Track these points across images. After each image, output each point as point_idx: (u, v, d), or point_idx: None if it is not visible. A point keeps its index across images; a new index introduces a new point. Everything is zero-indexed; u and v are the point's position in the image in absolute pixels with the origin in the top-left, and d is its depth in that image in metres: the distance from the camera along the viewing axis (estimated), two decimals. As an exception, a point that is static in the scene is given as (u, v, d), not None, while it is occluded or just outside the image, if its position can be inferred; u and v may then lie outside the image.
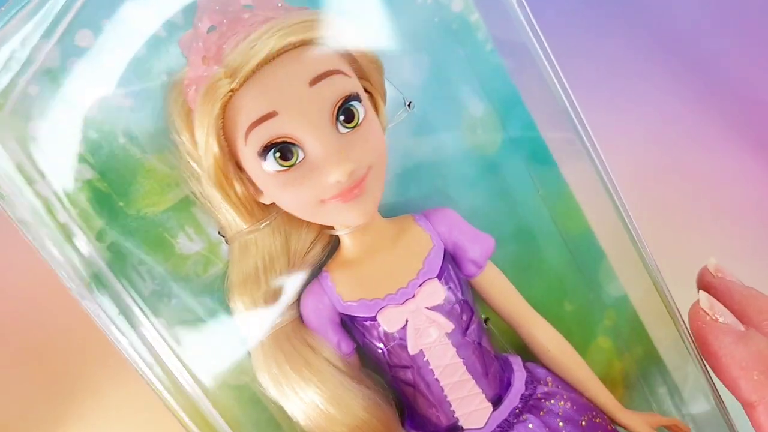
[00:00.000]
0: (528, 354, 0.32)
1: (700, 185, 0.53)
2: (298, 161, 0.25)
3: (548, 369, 0.31)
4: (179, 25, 0.28)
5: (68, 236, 0.28)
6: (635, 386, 0.36)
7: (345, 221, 0.27)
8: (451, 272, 0.28)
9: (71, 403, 0.46)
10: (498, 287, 0.30)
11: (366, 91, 0.28)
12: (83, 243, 0.28)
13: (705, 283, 0.30)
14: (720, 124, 0.53)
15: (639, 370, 0.36)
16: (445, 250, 0.29)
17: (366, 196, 0.26)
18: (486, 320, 0.32)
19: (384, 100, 0.28)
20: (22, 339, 0.46)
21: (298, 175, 0.25)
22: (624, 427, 0.32)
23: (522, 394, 0.29)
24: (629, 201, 0.32)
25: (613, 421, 0.31)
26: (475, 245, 0.29)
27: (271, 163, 0.25)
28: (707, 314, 0.28)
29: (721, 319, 0.28)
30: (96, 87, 0.27)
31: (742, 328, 0.28)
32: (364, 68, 0.27)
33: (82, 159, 0.27)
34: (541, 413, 0.29)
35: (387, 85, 0.30)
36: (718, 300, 0.29)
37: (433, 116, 0.31)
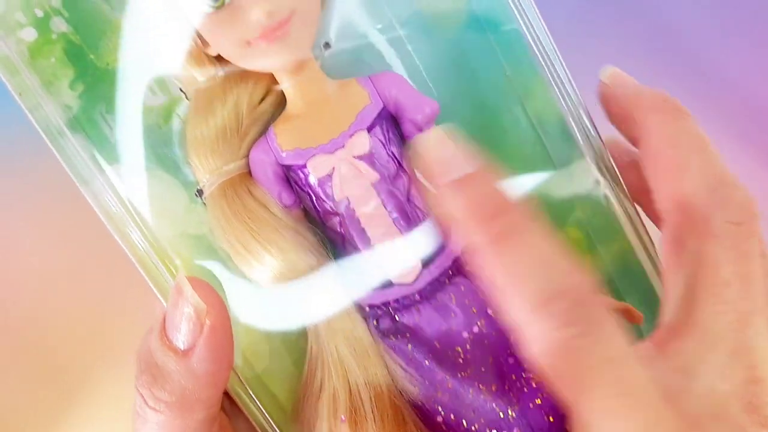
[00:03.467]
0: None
1: None
2: (226, 2, 0.27)
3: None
4: None
5: (46, 83, 0.31)
6: (605, 284, 0.35)
7: (272, 64, 0.28)
8: (384, 128, 0.29)
9: (69, 400, 0.50)
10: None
11: None
12: (58, 91, 0.31)
13: (601, 99, 0.30)
14: (720, 123, 0.51)
15: (611, 269, 0.35)
16: (384, 109, 0.29)
17: (290, 39, 0.27)
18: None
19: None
20: (20, 336, 0.49)
21: (226, 15, 0.27)
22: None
23: (455, 257, 0.29)
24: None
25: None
26: (417, 107, 0.30)
27: (203, 5, 0.27)
28: None
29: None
30: (72, -54, 0.30)
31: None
32: None
33: (57, 12, 0.30)
34: (475, 279, 0.29)
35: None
36: (607, 112, 0.28)
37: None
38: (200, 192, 0.31)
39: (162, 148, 0.32)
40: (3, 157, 0.51)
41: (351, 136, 0.28)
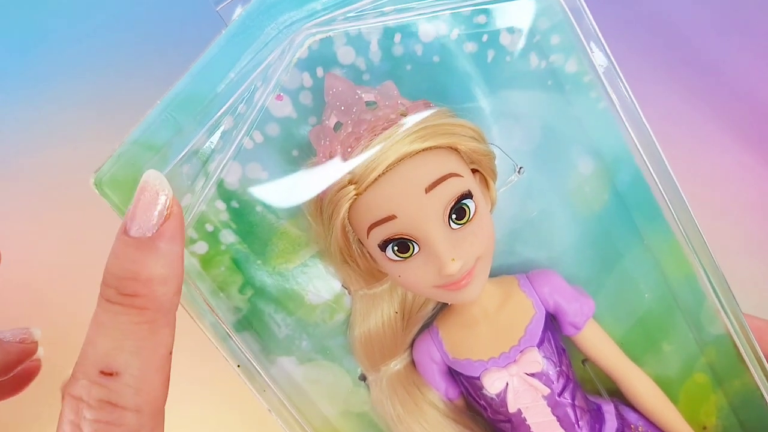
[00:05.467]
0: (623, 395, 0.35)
1: (699, 183, 0.52)
2: (414, 253, 0.28)
3: (641, 414, 0.33)
4: (309, 108, 0.30)
5: (219, 288, 0.32)
6: (728, 416, 0.38)
7: (454, 302, 0.30)
8: (551, 340, 0.31)
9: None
10: (596, 344, 0.32)
11: (476, 170, 0.30)
12: (229, 295, 0.32)
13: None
14: (720, 122, 0.52)
15: (734, 402, 0.38)
16: (546, 313, 0.31)
17: (474, 283, 0.28)
18: (584, 361, 0.35)
19: (494, 179, 0.30)
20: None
21: (414, 265, 0.28)
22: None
23: (614, 446, 0.32)
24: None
25: (701, 467, 0.33)
26: (575, 308, 0.31)
27: (389, 254, 0.28)
28: None
29: None
30: (236, 164, 0.31)
31: None
32: (475, 159, 0.29)
33: (226, 225, 0.31)
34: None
35: (499, 151, 0.32)
36: None
37: (542, 178, 0.33)
38: (364, 377, 0.33)
39: (327, 341, 0.34)
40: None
41: (522, 351, 0.30)
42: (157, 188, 0.26)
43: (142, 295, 0.25)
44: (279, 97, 0.28)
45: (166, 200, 0.25)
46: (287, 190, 0.31)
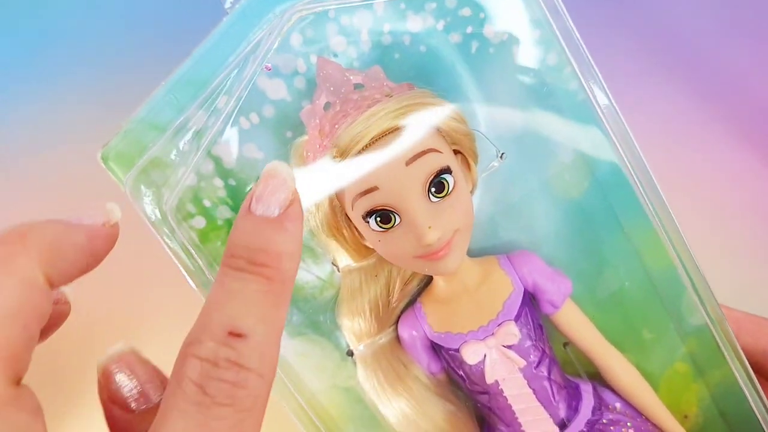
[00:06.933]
0: (602, 378, 0.36)
1: (699, 183, 0.52)
2: (395, 224, 0.30)
3: (619, 396, 0.35)
4: (302, 91, 0.33)
5: (214, 262, 0.34)
6: (709, 407, 0.39)
7: (434, 273, 0.31)
8: (528, 315, 0.32)
9: (69, 403, 0.51)
10: (574, 324, 0.34)
11: (458, 152, 0.31)
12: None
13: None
14: (721, 122, 0.53)
15: (715, 393, 0.39)
16: (524, 292, 0.32)
17: (452, 254, 0.30)
18: (565, 345, 0.36)
19: (475, 160, 0.32)
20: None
21: (395, 236, 0.30)
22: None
23: (588, 420, 0.33)
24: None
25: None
26: (553, 287, 0.33)
27: (373, 225, 0.30)
28: None
29: None
30: (233, 143, 0.33)
31: None
32: (456, 139, 0.30)
33: (223, 202, 0.33)
34: (606, 437, 0.33)
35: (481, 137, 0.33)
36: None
37: (524, 164, 0.35)
38: (351, 353, 0.35)
39: (317, 316, 0.35)
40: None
41: (500, 325, 0.32)
42: (284, 175, 0.27)
43: (271, 267, 0.25)
44: (267, 67, 0.30)
45: (291, 186, 0.27)
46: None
